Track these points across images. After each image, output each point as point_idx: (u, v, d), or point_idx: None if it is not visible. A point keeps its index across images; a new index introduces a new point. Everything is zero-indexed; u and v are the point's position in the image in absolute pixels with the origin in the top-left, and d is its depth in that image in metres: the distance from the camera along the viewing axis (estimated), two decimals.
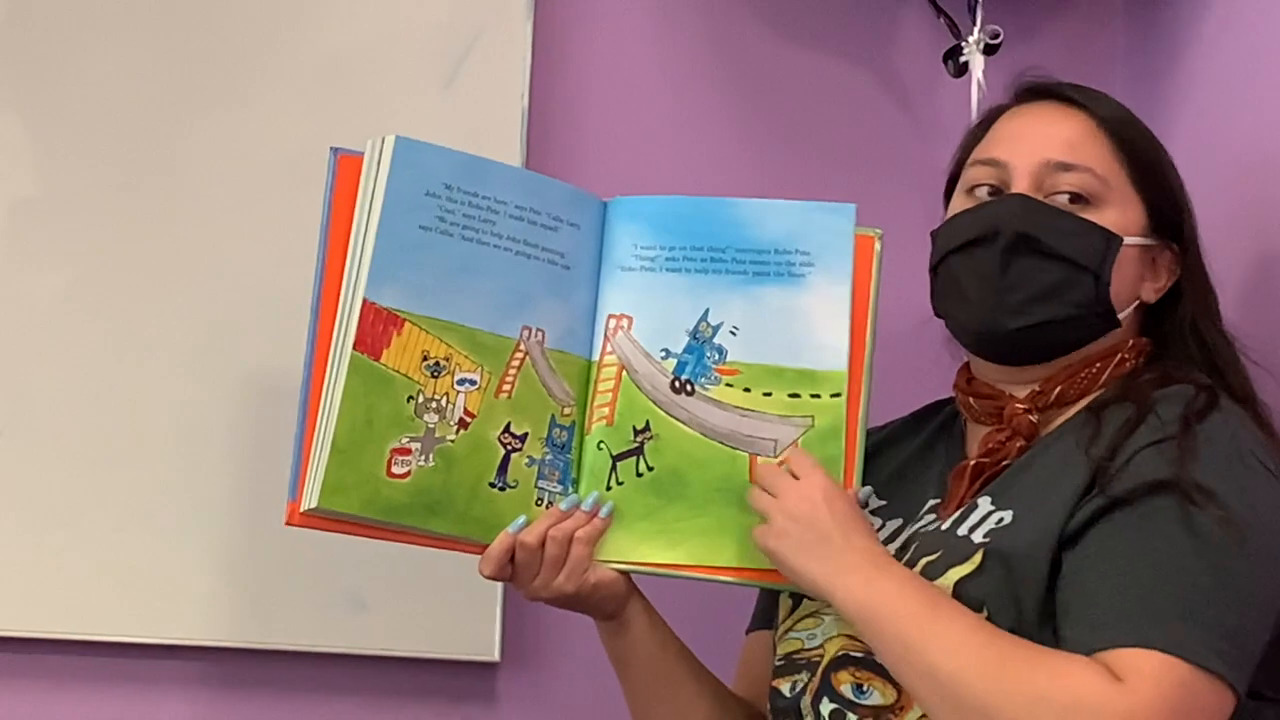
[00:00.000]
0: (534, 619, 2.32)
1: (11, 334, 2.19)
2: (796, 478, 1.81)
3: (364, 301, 1.80)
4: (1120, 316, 1.89)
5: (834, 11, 2.49)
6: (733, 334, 1.88)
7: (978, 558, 1.77)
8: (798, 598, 1.90)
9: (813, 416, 1.87)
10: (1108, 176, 1.88)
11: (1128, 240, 1.87)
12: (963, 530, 1.81)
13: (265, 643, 2.24)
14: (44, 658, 2.20)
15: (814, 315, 1.88)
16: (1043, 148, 1.90)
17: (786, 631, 1.91)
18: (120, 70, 2.24)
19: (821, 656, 1.84)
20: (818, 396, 1.87)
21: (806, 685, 1.85)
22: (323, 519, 1.80)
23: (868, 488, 1.91)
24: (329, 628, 2.24)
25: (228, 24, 2.27)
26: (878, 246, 1.93)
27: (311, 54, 2.28)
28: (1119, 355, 1.89)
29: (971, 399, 1.93)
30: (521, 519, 1.85)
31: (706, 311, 1.89)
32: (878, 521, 1.92)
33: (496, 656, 2.29)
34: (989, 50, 2.34)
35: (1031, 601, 1.73)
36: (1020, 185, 1.89)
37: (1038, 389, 1.88)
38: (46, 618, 2.19)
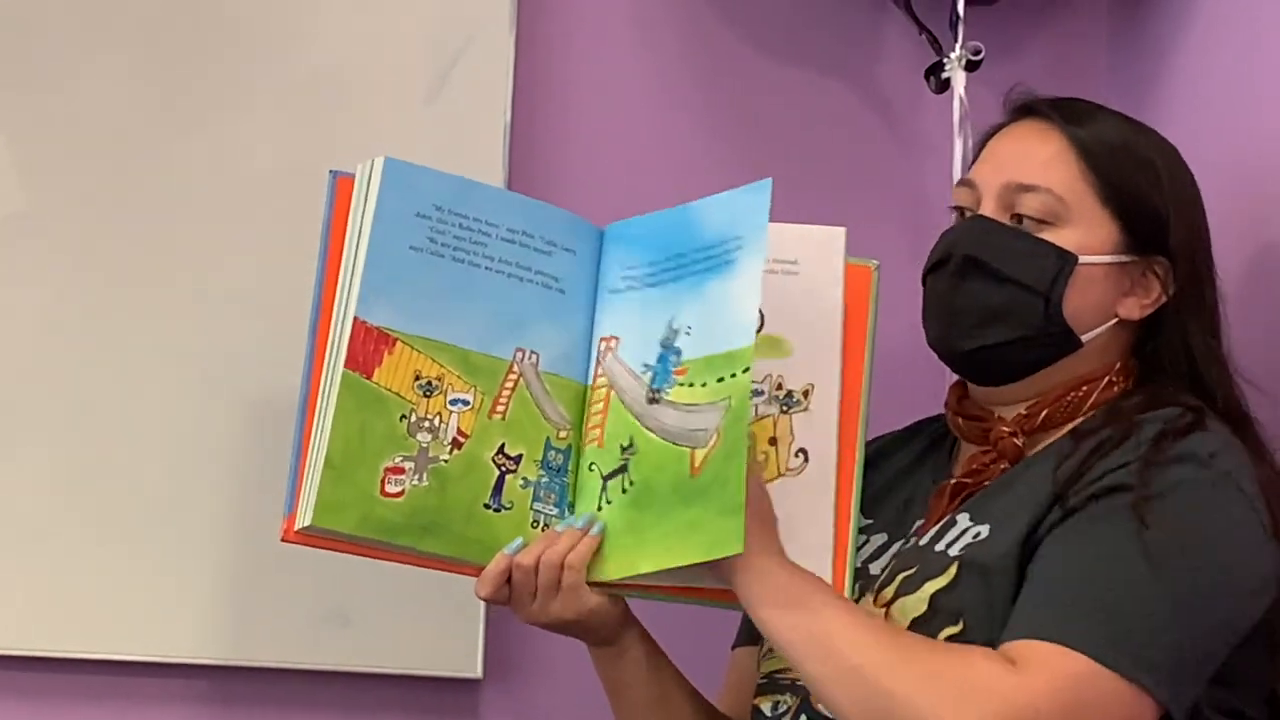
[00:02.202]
0: (517, 636, 2.31)
1: (2, 349, 2.19)
2: None
3: (355, 320, 1.80)
4: (1089, 336, 1.88)
5: (816, 28, 2.49)
6: (687, 334, 1.84)
7: (953, 570, 1.78)
8: None
9: (730, 397, 1.79)
10: (1068, 196, 1.87)
11: (1088, 259, 1.86)
12: (940, 546, 1.82)
13: (249, 659, 2.24)
14: (32, 676, 2.19)
15: (736, 296, 1.81)
16: (1008, 170, 1.90)
17: (770, 651, 1.91)
18: (106, 85, 2.23)
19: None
20: (734, 376, 1.79)
21: (790, 707, 1.86)
22: (318, 537, 1.79)
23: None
24: (312, 644, 2.24)
25: (212, 40, 2.26)
26: (875, 277, 1.91)
27: (295, 70, 2.28)
28: (1106, 378, 1.89)
29: (960, 419, 1.94)
30: (518, 541, 1.83)
31: (672, 318, 1.86)
32: (862, 538, 1.92)
33: (479, 673, 2.28)
34: (971, 66, 2.34)
35: (1007, 612, 1.74)
36: (986, 207, 1.90)
37: (1024, 412, 1.88)
38: (34, 636, 2.18)
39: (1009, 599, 1.74)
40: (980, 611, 1.75)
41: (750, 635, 2.03)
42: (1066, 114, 1.93)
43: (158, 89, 2.24)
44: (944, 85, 2.36)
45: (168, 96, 2.24)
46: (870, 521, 1.94)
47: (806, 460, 1.87)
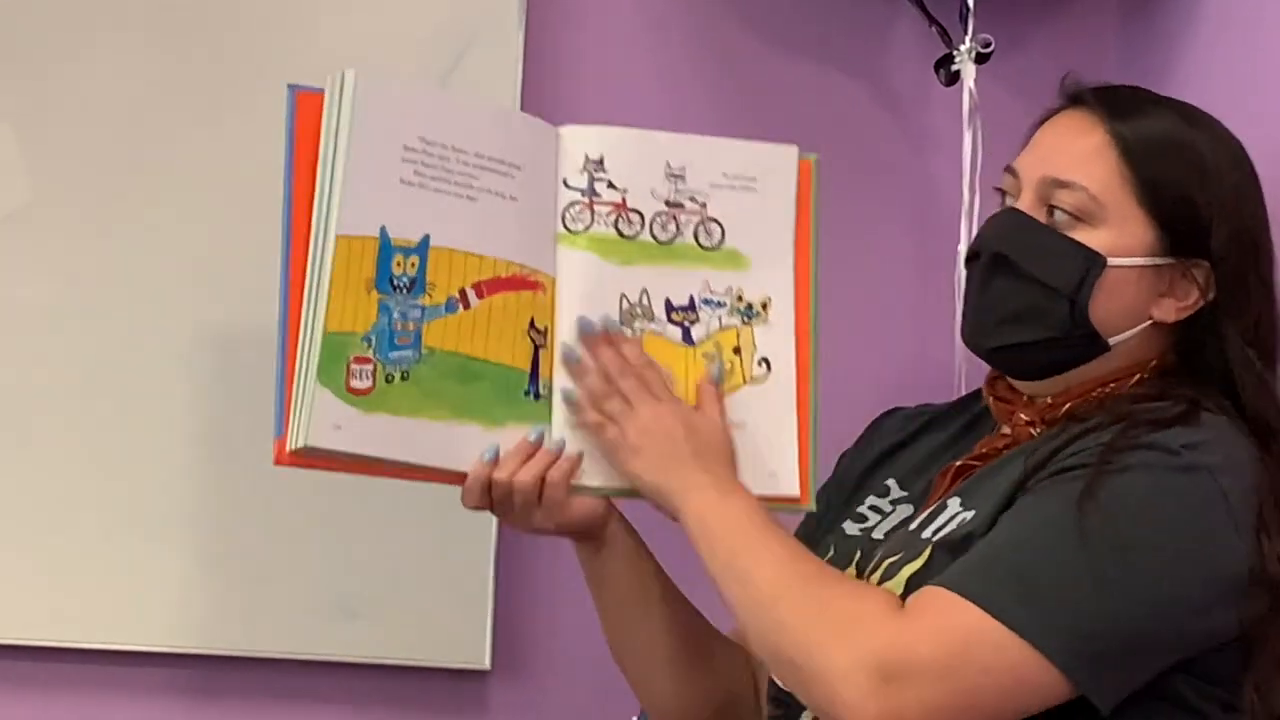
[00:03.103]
0: (525, 627, 2.32)
1: (2, 341, 2.19)
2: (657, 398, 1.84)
3: (337, 237, 1.80)
4: (1118, 339, 1.84)
5: (825, 21, 2.49)
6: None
7: (927, 553, 1.77)
8: None
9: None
10: (1103, 195, 1.83)
11: (1119, 261, 1.83)
12: (926, 532, 1.81)
13: (256, 650, 2.24)
14: (30, 665, 2.19)
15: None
16: (1047, 162, 1.87)
17: None
18: (112, 77, 2.23)
19: None
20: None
21: None
22: (312, 458, 1.79)
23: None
24: (321, 635, 2.24)
25: (219, 32, 2.27)
26: (815, 170, 1.97)
27: (303, 62, 2.27)
28: (1137, 375, 1.85)
29: (993, 399, 1.93)
30: (492, 449, 1.84)
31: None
32: (891, 506, 1.93)
33: (487, 664, 2.29)
34: (981, 59, 2.34)
35: None
36: (1024, 199, 1.87)
37: (1049, 403, 1.87)
38: (32, 625, 2.19)
39: None
40: None
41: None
42: (1115, 106, 1.87)
43: (164, 83, 2.24)
44: (953, 78, 2.35)
45: (173, 91, 2.24)
46: (905, 493, 1.95)
47: (769, 369, 1.93)
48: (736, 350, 1.93)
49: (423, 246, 1.85)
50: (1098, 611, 1.66)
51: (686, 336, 1.92)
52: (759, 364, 1.93)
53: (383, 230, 1.83)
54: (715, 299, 1.92)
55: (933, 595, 1.68)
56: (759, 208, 1.95)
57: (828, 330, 2.45)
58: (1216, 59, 2.33)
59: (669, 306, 1.92)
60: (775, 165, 1.96)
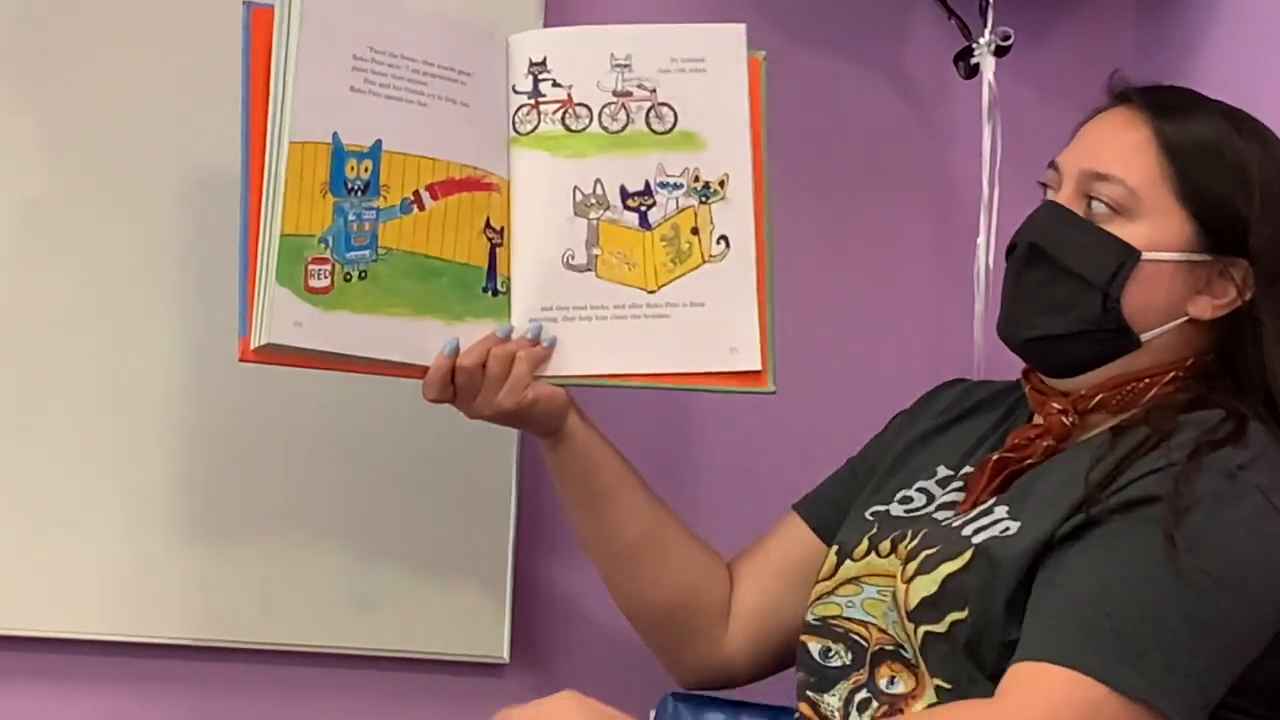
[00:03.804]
0: (544, 619, 2.32)
1: (19, 334, 2.19)
2: None
3: (290, 144, 1.89)
4: (1150, 335, 1.85)
5: (844, 13, 2.49)
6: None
7: (968, 555, 1.78)
8: (842, 554, 1.91)
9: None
10: (1141, 189, 1.84)
11: (1155, 255, 1.83)
12: (967, 530, 1.82)
13: (274, 643, 2.24)
14: (46, 657, 2.20)
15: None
16: (1088, 156, 1.88)
17: (828, 593, 1.91)
18: (127, 70, 2.23)
19: (866, 642, 1.85)
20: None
21: (845, 662, 1.86)
22: (274, 354, 1.88)
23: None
24: (338, 627, 2.24)
25: (236, 24, 2.26)
26: (763, 66, 2.02)
27: None
28: (1172, 373, 1.86)
29: (1029, 388, 1.93)
30: (453, 341, 1.91)
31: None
32: (938, 489, 1.93)
33: (506, 656, 2.29)
34: (1000, 52, 2.33)
35: (1003, 599, 1.75)
36: (1064, 192, 1.88)
37: (1082, 393, 1.87)
38: (49, 617, 2.19)
39: (1011, 594, 1.74)
40: (985, 600, 1.75)
41: (814, 514, 2.05)
42: (1159, 105, 1.88)
43: (181, 73, 2.24)
44: (973, 71, 2.35)
45: (190, 82, 2.24)
46: (951, 473, 1.95)
47: (728, 246, 1.99)
48: (694, 230, 1.99)
49: (375, 151, 1.93)
50: (1201, 663, 1.68)
51: (644, 221, 1.98)
52: (717, 242, 1.99)
53: (335, 136, 1.91)
54: (671, 181, 1.98)
55: (1036, 672, 1.68)
56: (710, 87, 2.01)
57: (848, 324, 2.46)
58: (1235, 51, 2.33)
59: (624, 193, 1.98)
60: (722, 44, 2.02)
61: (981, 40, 2.34)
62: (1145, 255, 1.83)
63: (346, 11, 1.94)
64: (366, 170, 1.92)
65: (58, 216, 2.21)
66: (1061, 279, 1.85)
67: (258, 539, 2.23)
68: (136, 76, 2.23)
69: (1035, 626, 1.72)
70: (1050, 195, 1.90)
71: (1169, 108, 1.88)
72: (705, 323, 1.97)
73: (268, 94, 1.91)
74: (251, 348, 1.88)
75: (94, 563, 2.19)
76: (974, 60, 2.35)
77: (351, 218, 1.91)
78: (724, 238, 1.98)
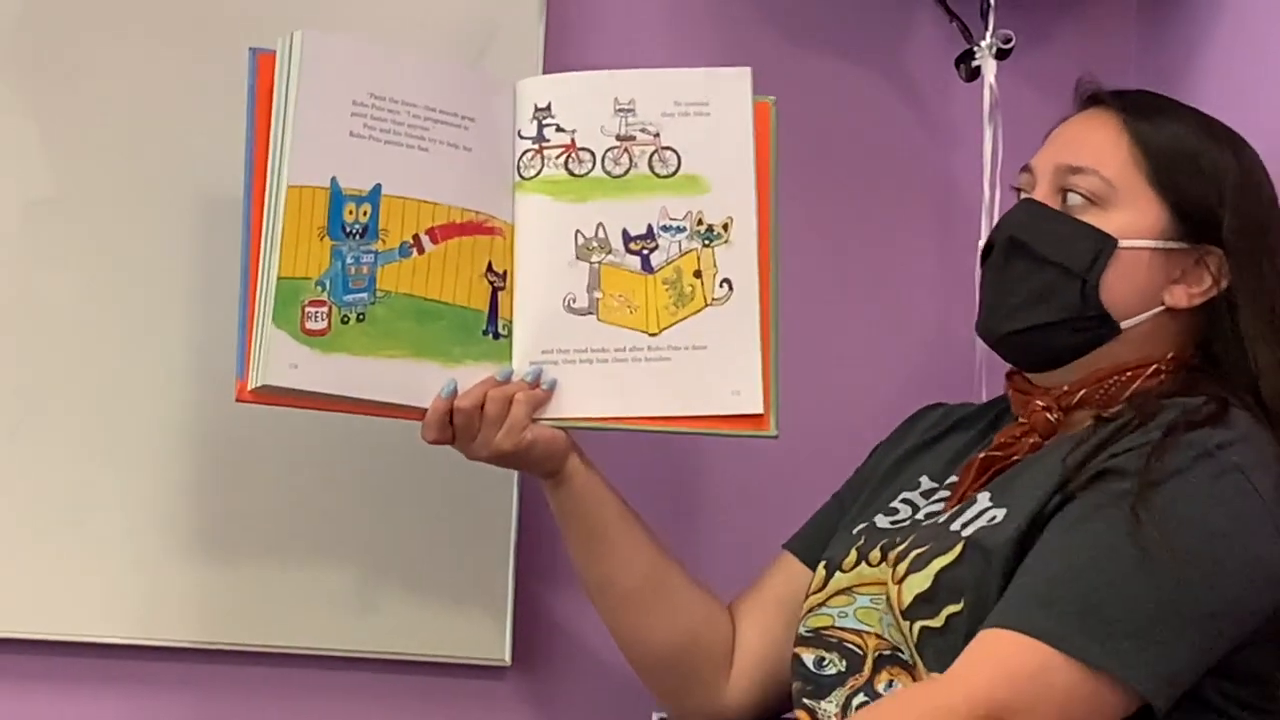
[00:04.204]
0: (545, 622, 2.31)
1: (19, 336, 2.19)
2: None
3: (288, 188, 1.91)
4: (1130, 323, 1.87)
5: (845, 16, 2.49)
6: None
7: (959, 548, 1.79)
8: (831, 568, 1.91)
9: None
10: (1115, 179, 1.87)
11: (1131, 243, 1.86)
12: (955, 525, 1.82)
13: (276, 645, 2.24)
14: (44, 659, 2.19)
15: None
16: (1062, 153, 1.91)
17: (819, 605, 1.91)
18: (133, 69, 2.23)
19: (863, 649, 1.85)
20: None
21: (839, 670, 1.87)
22: (271, 395, 1.90)
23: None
24: (340, 630, 2.24)
25: (241, 23, 2.26)
26: (774, 111, 2.03)
27: None
28: (1154, 367, 1.87)
29: (1012, 390, 1.95)
30: (451, 384, 1.92)
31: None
32: (922, 500, 1.94)
33: (507, 659, 2.28)
34: (1001, 55, 2.33)
35: (998, 586, 1.75)
36: (1039, 190, 1.90)
37: (1065, 389, 1.88)
38: (49, 620, 2.18)
39: (1005, 581, 1.75)
40: (980, 591, 1.76)
41: (806, 550, 2.05)
42: (1131, 105, 1.92)
43: (185, 75, 2.24)
44: (974, 74, 2.35)
45: (195, 82, 2.24)
46: (935, 485, 1.96)
47: (731, 289, 1.99)
48: (697, 273, 1.99)
49: (374, 195, 1.94)
50: (1163, 632, 1.68)
51: (646, 264, 1.99)
52: (720, 285, 1.99)
53: (333, 180, 1.93)
54: (675, 224, 1.99)
55: (996, 638, 1.69)
56: (714, 130, 2.01)
57: (850, 327, 2.46)
58: (1236, 54, 2.33)
59: (626, 237, 1.99)
60: (726, 87, 2.03)
61: (983, 43, 2.34)
62: (1122, 243, 1.86)
63: (347, 58, 1.97)
64: (365, 214, 1.94)
65: (61, 217, 2.21)
66: (1041, 270, 1.87)
67: (259, 541, 2.23)
68: (139, 78, 2.23)
69: (1002, 599, 1.73)
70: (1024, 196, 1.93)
71: (1139, 105, 1.93)
72: (707, 365, 1.97)
73: (270, 138, 1.93)
74: (249, 389, 1.90)
75: (94, 565, 2.19)
76: (975, 63, 2.35)
77: (349, 261, 1.93)
78: (727, 281, 1.98)
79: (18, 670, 2.19)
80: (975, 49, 2.35)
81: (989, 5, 2.34)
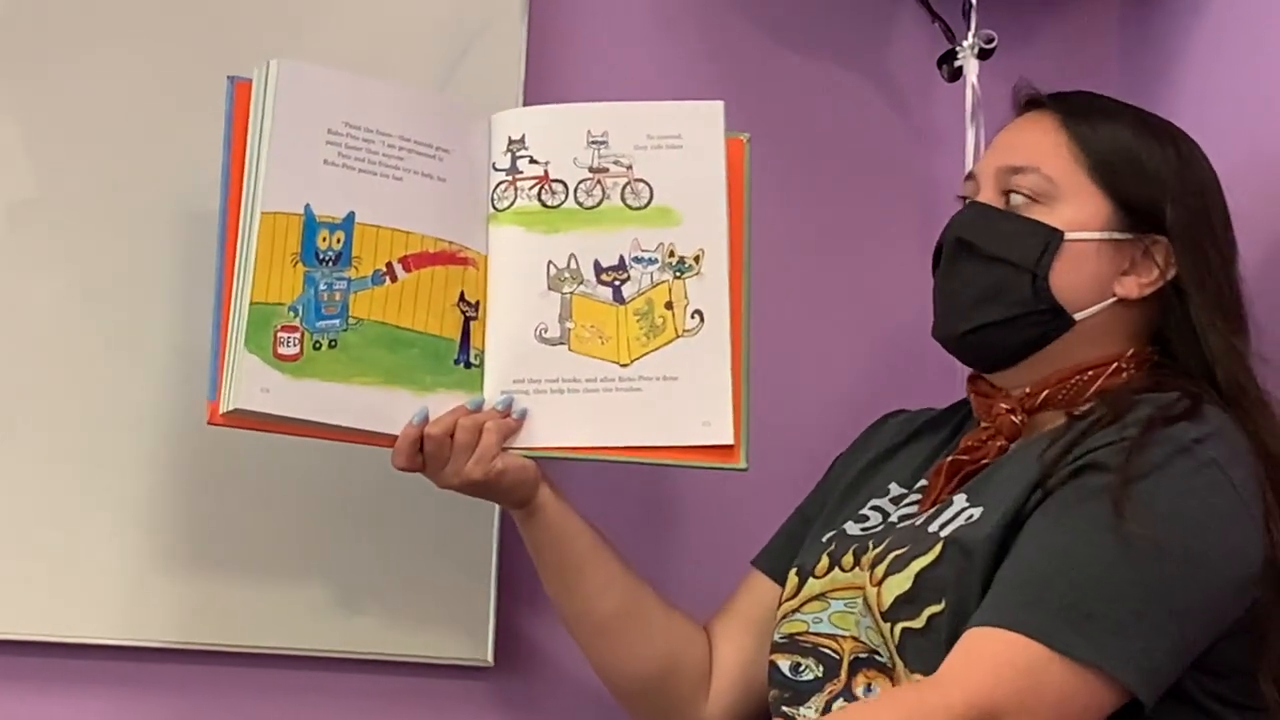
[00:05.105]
0: (528, 622, 2.31)
1: (6, 337, 2.19)
2: None
3: (262, 214, 1.93)
4: (1083, 315, 1.88)
5: (828, 16, 2.49)
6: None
7: (938, 549, 1.79)
8: (803, 574, 1.91)
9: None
10: (1057, 175, 1.90)
11: (1077, 235, 1.88)
12: (933, 526, 1.83)
13: (259, 646, 2.24)
14: (29, 660, 2.18)
15: None
16: (1003, 156, 1.94)
17: (793, 612, 1.92)
18: (118, 72, 2.23)
19: (839, 653, 1.85)
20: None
21: (817, 676, 1.87)
22: (243, 419, 1.92)
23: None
24: (323, 631, 2.24)
25: (225, 26, 2.26)
26: (747, 149, 2.05)
27: (307, 56, 2.27)
28: (1115, 364, 1.89)
29: (974, 395, 1.96)
30: (423, 411, 1.94)
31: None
32: (892, 505, 1.94)
33: (490, 660, 2.29)
34: (984, 55, 2.34)
35: (980, 585, 1.76)
36: (984, 194, 1.94)
37: (1028, 391, 1.89)
38: (35, 621, 2.17)
39: (986, 579, 1.75)
40: (962, 590, 1.76)
41: (773, 565, 2.06)
42: (1068, 106, 1.95)
43: (168, 76, 2.24)
44: (956, 74, 2.36)
45: (178, 84, 2.24)
46: (905, 492, 1.96)
47: (702, 320, 2.00)
48: (669, 305, 2.00)
49: (348, 223, 1.97)
50: (1147, 626, 1.70)
51: (617, 295, 2.00)
52: (692, 316, 2.00)
53: (307, 207, 1.95)
54: (646, 256, 2.00)
55: (985, 636, 1.70)
56: (686, 163, 2.03)
57: (829, 328, 2.46)
58: (1220, 55, 2.33)
59: (598, 268, 2.00)
60: (699, 121, 2.05)
61: (965, 43, 2.35)
62: (1068, 235, 1.88)
63: (322, 87, 1.99)
64: (339, 241, 1.96)
65: (44, 222, 2.20)
66: (990, 268, 1.89)
67: (241, 542, 2.23)
68: (120, 88, 2.23)
69: (987, 598, 1.74)
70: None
71: (1076, 106, 1.95)
72: (678, 396, 1.97)
73: (245, 164, 1.96)
74: (220, 412, 1.92)
75: (77, 566, 2.18)
76: (958, 63, 2.36)
77: (322, 287, 1.95)
78: (698, 312, 1.99)
79: (4, 672, 2.20)
80: (958, 49, 2.36)
81: (971, 6, 2.34)
